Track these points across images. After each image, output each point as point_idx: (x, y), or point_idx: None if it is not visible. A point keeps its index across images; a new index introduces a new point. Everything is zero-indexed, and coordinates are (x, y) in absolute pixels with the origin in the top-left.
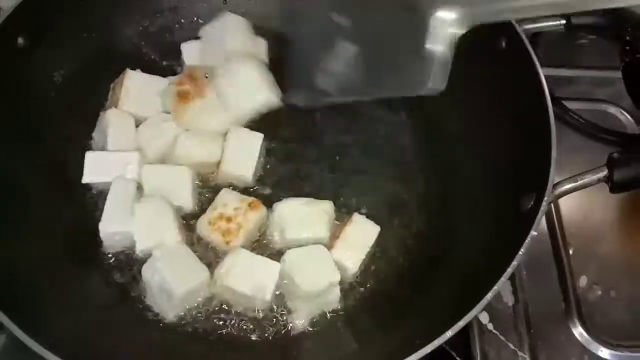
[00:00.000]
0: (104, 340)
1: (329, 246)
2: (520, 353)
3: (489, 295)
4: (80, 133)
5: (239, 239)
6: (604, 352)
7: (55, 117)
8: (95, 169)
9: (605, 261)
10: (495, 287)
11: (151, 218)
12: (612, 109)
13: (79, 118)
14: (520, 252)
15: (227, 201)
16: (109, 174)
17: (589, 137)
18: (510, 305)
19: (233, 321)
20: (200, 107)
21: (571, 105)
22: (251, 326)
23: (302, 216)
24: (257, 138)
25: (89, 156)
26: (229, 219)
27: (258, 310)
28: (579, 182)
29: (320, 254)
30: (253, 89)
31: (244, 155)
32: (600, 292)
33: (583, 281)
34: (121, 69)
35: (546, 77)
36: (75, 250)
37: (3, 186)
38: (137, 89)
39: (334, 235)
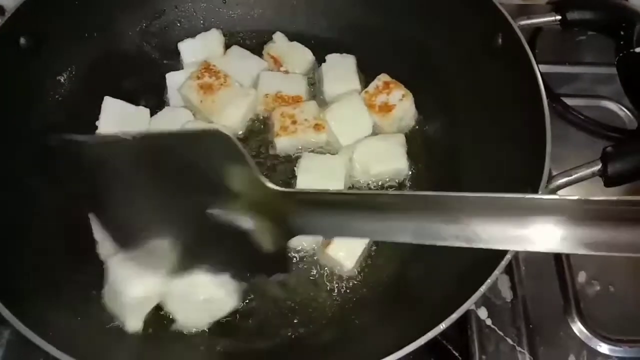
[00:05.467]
0: (107, 335)
1: (326, 243)
2: (518, 348)
3: (482, 289)
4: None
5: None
6: (602, 347)
7: (60, 119)
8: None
9: (604, 257)
10: (488, 281)
11: None
12: (612, 106)
13: (83, 120)
14: None
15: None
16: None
17: (589, 134)
18: (508, 300)
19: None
20: (228, 96)
21: (571, 102)
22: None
23: (381, 151)
24: None
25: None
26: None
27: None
28: (573, 176)
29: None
30: None
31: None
32: (599, 288)
33: (582, 277)
34: (124, 70)
35: (546, 74)
36: (77, 244)
37: (7, 183)
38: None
39: None
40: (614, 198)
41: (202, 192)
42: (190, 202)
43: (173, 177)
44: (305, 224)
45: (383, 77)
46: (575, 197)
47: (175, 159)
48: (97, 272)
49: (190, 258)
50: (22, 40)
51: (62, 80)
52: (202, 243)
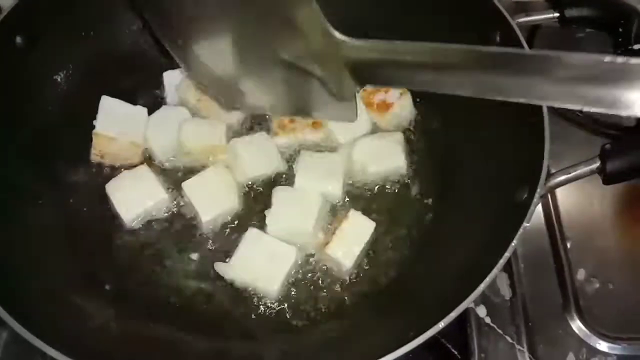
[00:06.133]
0: (105, 338)
1: (325, 242)
2: (517, 346)
3: (481, 287)
4: (84, 133)
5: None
6: (602, 345)
7: (57, 118)
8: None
9: (603, 254)
10: (487, 279)
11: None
12: None
13: (81, 119)
14: (512, 244)
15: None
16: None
17: (588, 131)
18: (507, 298)
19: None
20: None
21: None
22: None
23: (379, 149)
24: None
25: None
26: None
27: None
28: (572, 174)
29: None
30: None
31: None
32: (598, 285)
33: (581, 274)
34: (121, 69)
35: None
36: (78, 243)
37: (4, 183)
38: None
39: (330, 231)
40: None
41: (276, 35)
42: (267, 46)
43: (248, 18)
44: (369, 76)
45: None
46: None
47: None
48: (98, 270)
49: (268, 94)
50: (19, 39)
51: (59, 79)
52: (278, 83)
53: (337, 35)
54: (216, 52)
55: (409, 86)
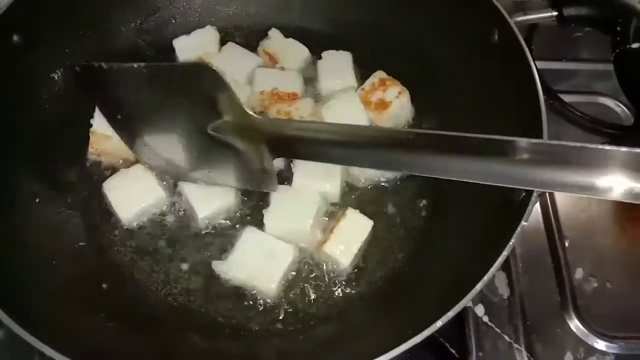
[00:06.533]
0: (102, 338)
1: (323, 240)
2: (515, 345)
3: (479, 286)
4: (81, 133)
5: None
6: (599, 343)
7: (54, 117)
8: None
9: (601, 253)
10: (485, 278)
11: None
12: (609, 102)
13: (77, 117)
14: (510, 243)
15: None
16: None
17: (586, 130)
18: (505, 297)
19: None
20: None
21: (568, 98)
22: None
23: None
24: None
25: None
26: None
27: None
28: None
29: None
30: None
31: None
32: (596, 284)
33: (579, 273)
34: None
35: (543, 70)
36: (72, 242)
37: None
38: None
39: (328, 230)
40: None
41: (200, 113)
42: (192, 120)
43: (176, 98)
44: (283, 150)
45: (379, 74)
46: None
47: (175, 84)
48: (95, 269)
49: (197, 166)
50: (15, 38)
51: (56, 77)
52: (205, 155)
53: (252, 113)
54: (152, 129)
55: (318, 160)
